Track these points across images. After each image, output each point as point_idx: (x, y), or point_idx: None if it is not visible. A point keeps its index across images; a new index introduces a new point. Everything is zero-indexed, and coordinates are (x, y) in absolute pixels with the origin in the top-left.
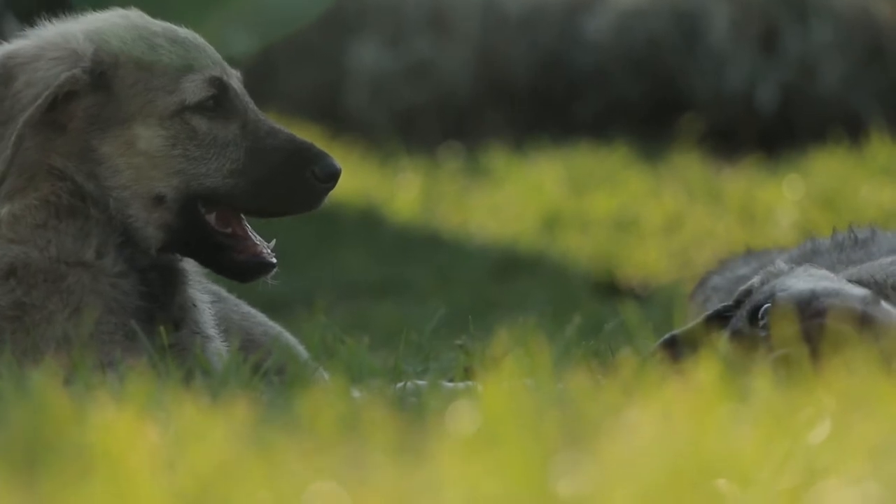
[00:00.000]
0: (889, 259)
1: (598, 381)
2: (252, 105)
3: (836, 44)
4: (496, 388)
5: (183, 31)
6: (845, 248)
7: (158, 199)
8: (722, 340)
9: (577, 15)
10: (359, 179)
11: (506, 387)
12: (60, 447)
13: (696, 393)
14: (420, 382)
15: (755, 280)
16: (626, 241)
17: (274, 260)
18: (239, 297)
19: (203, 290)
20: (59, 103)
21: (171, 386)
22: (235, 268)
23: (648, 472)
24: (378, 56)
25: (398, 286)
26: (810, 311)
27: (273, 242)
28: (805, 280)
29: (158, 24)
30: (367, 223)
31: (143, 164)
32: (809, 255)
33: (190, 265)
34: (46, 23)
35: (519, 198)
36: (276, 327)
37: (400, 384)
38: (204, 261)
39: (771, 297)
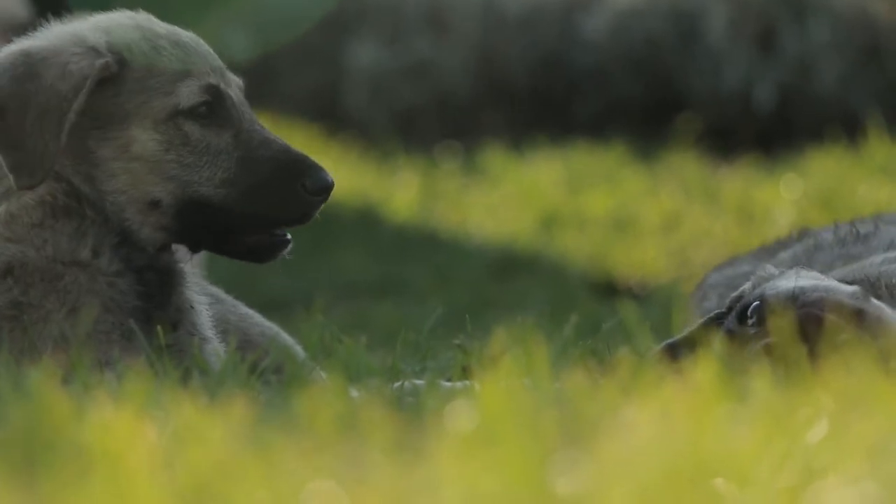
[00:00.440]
0: (880, 258)
1: (596, 380)
2: (249, 115)
3: (833, 43)
4: (494, 388)
5: (187, 36)
6: (847, 242)
7: (154, 204)
8: (717, 342)
9: (576, 15)
10: (357, 179)
11: (504, 386)
12: (59, 446)
13: (695, 392)
14: (418, 382)
15: (746, 286)
16: (623, 240)
17: (289, 236)
18: (237, 297)
19: (201, 292)
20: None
21: (169, 385)
22: (246, 251)
23: (646, 471)
24: (377, 56)
25: (396, 286)
26: (798, 304)
27: None
28: (794, 280)
29: (163, 27)
30: (366, 223)
31: (138, 168)
32: (812, 251)
33: (188, 267)
34: (51, 24)
35: (517, 197)
36: (273, 328)
37: (398, 383)
38: (214, 248)
39: (760, 297)
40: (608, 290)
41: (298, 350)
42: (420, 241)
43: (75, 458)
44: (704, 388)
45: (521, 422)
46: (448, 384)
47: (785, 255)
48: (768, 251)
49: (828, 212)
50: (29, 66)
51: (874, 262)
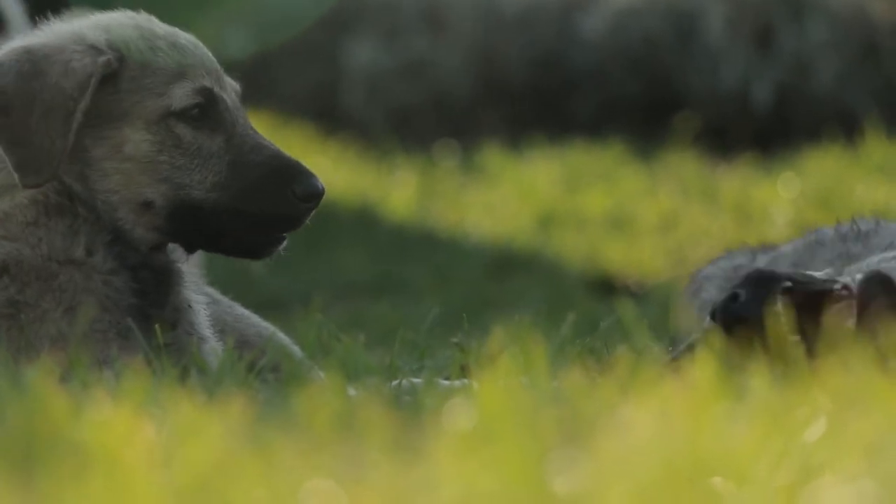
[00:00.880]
0: (878, 257)
1: (594, 379)
2: (243, 119)
3: (830, 42)
4: (492, 386)
5: (185, 38)
6: (848, 239)
7: (147, 205)
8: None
9: (573, 14)
10: (355, 178)
11: (502, 385)
12: (57, 445)
13: (693, 391)
14: (416, 380)
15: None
16: (621, 239)
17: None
18: (234, 297)
19: (200, 293)
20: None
21: (167, 384)
22: (240, 248)
23: (644, 469)
24: (374, 55)
25: (394, 285)
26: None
27: None
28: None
29: (162, 28)
30: (363, 222)
31: (130, 169)
32: (813, 246)
33: (185, 266)
34: (50, 22)
35: (515, 196)
36: (270, 328)
37: (396, 382)
38: (209, 247)
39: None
40: (606, 288)
41: (295, 350)
42: (418, 240)
43: (73, 457)
44: (702, 387)
45: (519, 420)
46: (446, 383)
47: (787, 248)
48: (766, 246)
49: (825, 211)
50: (33, 64)
51: (871, 262)
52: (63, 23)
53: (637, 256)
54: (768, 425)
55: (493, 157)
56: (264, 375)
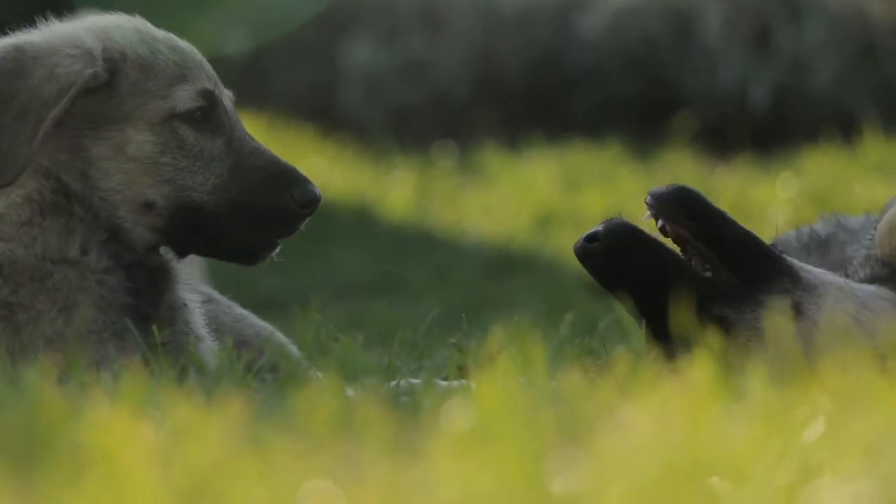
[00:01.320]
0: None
1: (593, 379)
2: (240, 124)
3: (828, 42)
4: (490, 387)
5: (183, 43)
6: (811, 249)
7: (148, 206)
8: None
9: (572, 13)
10: (353, 178)
11: (500, 385)
12: (55, 446)
13: (691, 391)
14: (414, 381)
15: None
16: None
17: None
18: (233, 297)
19: (194, 292)
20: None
21: (165, 384)
22: (235, 253)
23: (643, 469)
24: (372, 54)
25: (392, 285)
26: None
27: None
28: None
29: (160, 32)
30: (361, 222)
31: (133, 169)
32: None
33: (180, 266)
34: (50, 21)
35: (513, 196)
36: (268, 328)
37: (394, 382)
38: (204, 251)
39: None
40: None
41: (293, 350)
42: (416, 240)
43: (72, 458)
44: (701, 387)
45: (517, 420)
46: (444, 383)
47: None
48: None
49: (823, 210)
50: (19, 63)
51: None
52: (63, 24)
53: None
54: (767, 425)
55: (492, 156)
56: (262, 376)
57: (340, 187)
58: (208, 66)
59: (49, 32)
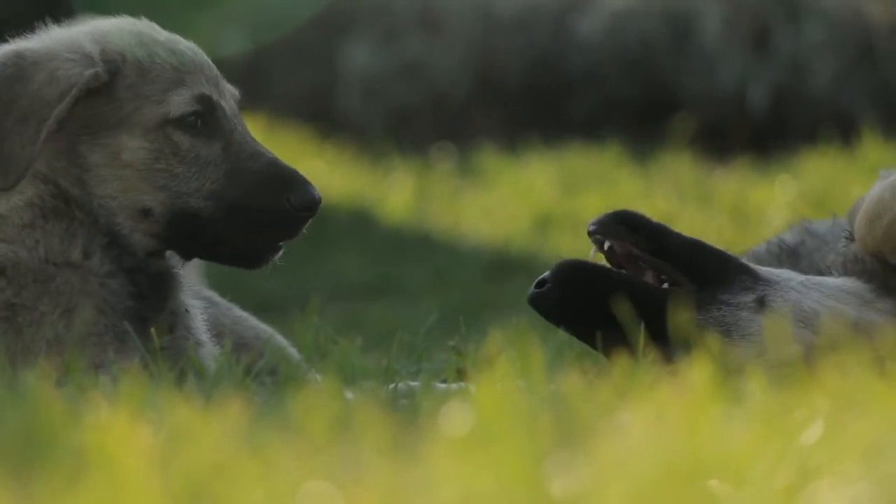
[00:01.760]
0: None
1: (592, 381)
2: (241, 127)
3: (827, 43)
4: (489, 389)
5: (185, 45)
6: (782, 260)
7: (145, 212)
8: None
9: (570, 15)
10: (351, 180)
11: (499, 388)
12: (54, 448)
13: (690, 394)
14: (413, 383)
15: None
16: None
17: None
18: (232, 299)
19: (195, 296)
20: (76, 103)
21: (164, 387)
22: (236, 257)
23: (642, 472)
24: (370, 56)
25: (391, 287)
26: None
27: None
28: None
29: (164, 35)
30: (360, 224)
31: (129, 176)
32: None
33: (183, 271)
34: (50, 26)
35: (511, 198)
36: (268, 330)
37: (393, 385)
38: (204, 255)
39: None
40: None
41: (293, 353)
42: (415, 243)
43: (71, 460)
44: (700, 390)
45: (516, 423)
46: (443, 386)
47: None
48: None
49: (822, 212)
50: (19, 69)
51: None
52: (62, 28)
53: None
54: (766, 427)
55: (490, 159)
56: (262, 378)
57: (339, 189)
58: (210, 69)
59: (48, 38)
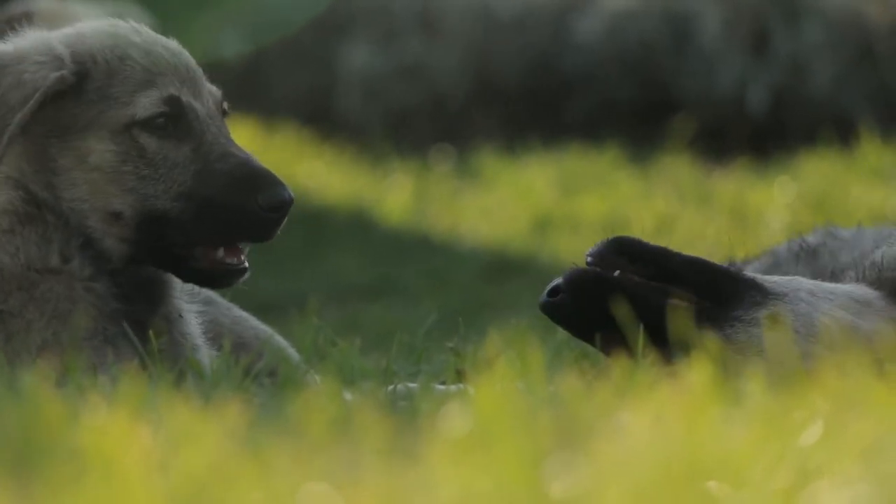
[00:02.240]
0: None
1: (590, 382)
2: (215, 128)
3: (826, 45)
4: (488, 391)
5: (164, 46)
6: (800, 259)
7: (116, 216)
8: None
9: (569, 17)
10: (350, 181)
11: (498, 389)
12: (53, 450)
13: (689, 395)
14: (412, 385)
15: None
16: None
17: (243, 266)
18: (231, 299)
19: (192, 296)
20: (44, 106)
21: (163, 388)
22: (199, 276)
23: (641, 473)
24: (369, 58)
25: (390, 288)
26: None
27: (247, 247)
28: None
29: (143, 36)
30: (359, 225)
31: (97, 179)
32: (771, 268)
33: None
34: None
35: (510, 200)
36: (267, 331)
37: (392, 386)
38: (169, 270)
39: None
40: None
41: (292, 353)
42: (413, 244)
43: (70, 462)
44: (698, 391)
45: (515, 424)
46: (442, 387)
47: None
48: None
49: (821, 214)
50: None
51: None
52: (37, 32)
53: None
54: (765, 428)
55: (489, 160)
56: (261, 379)
57: (338, 190)
58: (189, 70)
59: (21, 41)
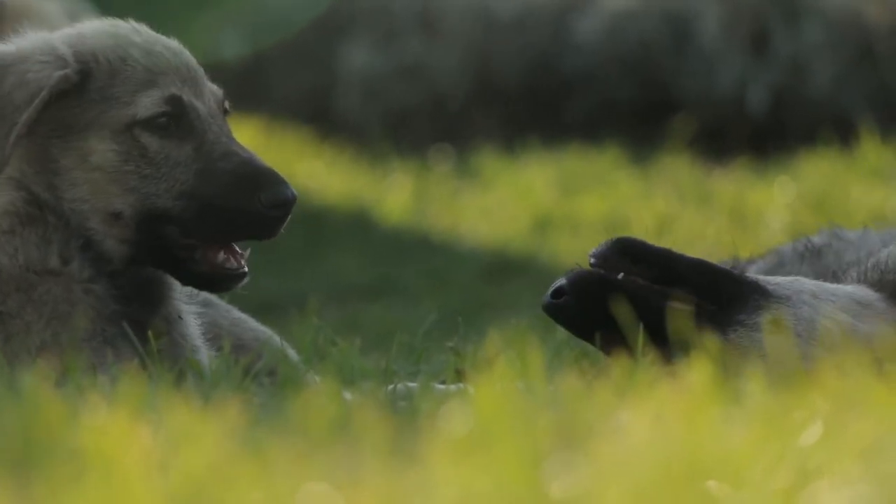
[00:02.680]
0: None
1: (590, 382)
2: (217, 127)
3: (826, 45)
4: (488, 390)
5: (165, 45)
6: (805, 259)
7: (116, 216)
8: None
9: (568, 17)
10: (350, 181)
11: (498, 389)
12: (53, 449)
13: (689, 394)
14: (412, 385)
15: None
16: None
17: (243, 270)
18: (230, 299)
19: (191, 298)
20: (48, 106)
21: (163, 388)
22: (198, 279)
23: (641, 473)
24: (369, 58)
25: (390, 288)
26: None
27: (248, 251)
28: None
29: (144, 36)
30: (359, 225)
31: (99, 179)
32: (775, 268)
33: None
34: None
35: (510, 200)
36: (266, 332)
37: (391, 386)
38: (169, 272)
39: None
40: None
41: (292, 354)
42: (413, 244)
43: (70, 462)
44: (698, 390)
45: (515, 424)
46: (442, 387)
47: (752, 269)
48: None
49: (821, 214)
50: None
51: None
52: (39, 33)
53: None
54: (765, 428)
55: (489, 160)
56: (260, 379)
57: (338, 190)
58: (188, 69)
59: (23, 42)
